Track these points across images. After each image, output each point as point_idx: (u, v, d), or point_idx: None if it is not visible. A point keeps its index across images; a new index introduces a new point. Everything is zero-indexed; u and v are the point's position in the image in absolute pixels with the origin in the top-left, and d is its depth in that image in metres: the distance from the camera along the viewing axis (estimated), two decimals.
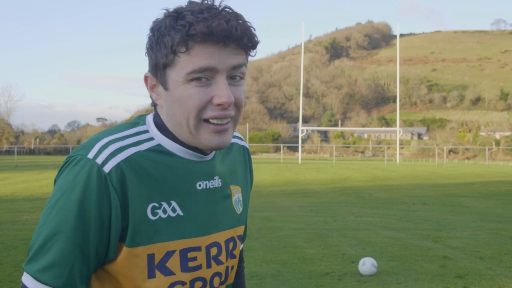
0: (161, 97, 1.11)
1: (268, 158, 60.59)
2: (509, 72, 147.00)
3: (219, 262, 1.17)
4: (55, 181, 1.10)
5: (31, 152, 77.62)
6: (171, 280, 1.09)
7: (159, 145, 1.11)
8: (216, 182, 1.17)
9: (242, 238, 1.38)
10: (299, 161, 45.63)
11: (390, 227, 9.31)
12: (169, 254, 1.08)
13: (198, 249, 1.12)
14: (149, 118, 1.16)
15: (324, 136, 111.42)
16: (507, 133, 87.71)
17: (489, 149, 60.72)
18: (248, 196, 1.32)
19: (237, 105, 1.09)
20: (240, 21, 1.04)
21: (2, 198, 14.02)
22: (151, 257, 1.07)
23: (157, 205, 1.07)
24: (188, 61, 1.04)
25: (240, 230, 1.26)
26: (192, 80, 1.05)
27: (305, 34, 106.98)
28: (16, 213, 10.83)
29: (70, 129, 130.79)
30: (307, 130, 77.07)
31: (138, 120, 1.16)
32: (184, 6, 1.07)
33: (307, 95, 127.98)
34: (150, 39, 1.09)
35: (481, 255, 6.89)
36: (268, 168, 32.48)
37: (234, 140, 1.31)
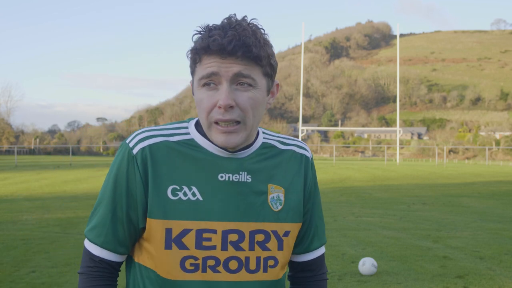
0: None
1: None
2: (509, 72, 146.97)
3: (238, 248, 1.28)
4: None
5: (31, 152, 77.62)
6: (184, 254, 1.25)
7: (191, 139, 1.31)
8: (243, 177, 1.30)
9: (311, 243, 1.44)
10: None
11: (390, 227, 9.31)
12: (185, 231, 1.25)
13: (213, 231, 1.26)
14: (194, 120, 1.36)
15: (324, 136, 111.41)
16: (507, 133, 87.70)
17: (489, 149, 60.71)
18: (296, 200, 1.37)
19: (242, 109, 1.23)
20: (244, 37, 1.19)
21: (2, 198, 14.02)
22: (168, 231, 1.25)
23: (177, 187, 1.26)
24: (200, 69, 1.24)
25: (279, 227, 1.33)
26: (204, 85, 1.24)
27: (305, 34, 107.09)
28: (16, 213, 10.82)
29: (70, 129, 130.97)
30: (307, 130, 77.01)
31: (186, 120, 1.38)
32: (214, 24, 1.25)
33: (307, 95, 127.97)
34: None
35: (481, 255, 6.89)
36: None
37: (290, 148, 1.40)
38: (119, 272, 1.35)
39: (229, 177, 1.28)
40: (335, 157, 48.04)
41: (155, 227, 1.25)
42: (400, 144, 66.44)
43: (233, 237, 1.27)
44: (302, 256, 1.45)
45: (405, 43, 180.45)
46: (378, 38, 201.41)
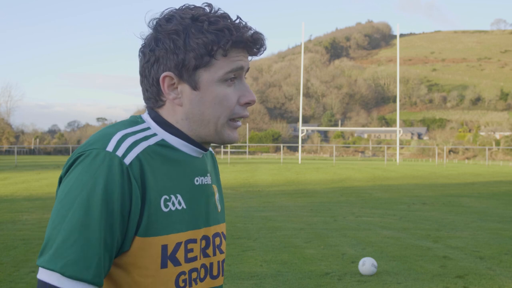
0: (182, 96, 1.14)
1: (268, 158, 60.57)
2: (509, 72, 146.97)
3: (205, 255, 1.21)
4: (61, 177, 1.09)
5: (31, 152, 77.62)
6: (179, 270, 1.13)
7: (163, 140, 1.15)
8: (209, 179, 1.24)
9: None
10: (299, 161, 45.63)
11: (390, 227, 9.31)
12: (178, 245, 1.12)
13: (194, 241, 1.17)
14: (146, 117, 1.18)
15: (324, 136, 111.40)
16: (507, 133, 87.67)
17: (489, 149, 60.70)
18: (222, 198, 1.37)
19: None
20: (257, 30, 1.16)
21: (2, 198, 14.02)
22: (164, 247, 1.10)
23: (167, 197, 1.11)
24: (225, 63, 1.12)
25: (224, 228, 1.32)
26: (225, 80, 1.13)
27: (305, 34, 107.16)
28: (16, 213, 10.83)
29: (70, 129, 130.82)
30: (307, 130, 77.04)
31: (135, 119, 1.18)
32: (195, 11, 1.12)
33: (307, 95, 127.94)
34: (173, 39, 1.10)
35: (481, 255, 6.90)
36: (268, 168, 32.48)
37: None
38: None
39: (202, 180, 1.20)
40: (335, 157, 48.00)
41: (151, 246, 1.08)
42: (400, 144, 66.44)
43: (203, 243, 1.20)
44: None
45: (405, 43, 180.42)
46: (378, 38, 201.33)
